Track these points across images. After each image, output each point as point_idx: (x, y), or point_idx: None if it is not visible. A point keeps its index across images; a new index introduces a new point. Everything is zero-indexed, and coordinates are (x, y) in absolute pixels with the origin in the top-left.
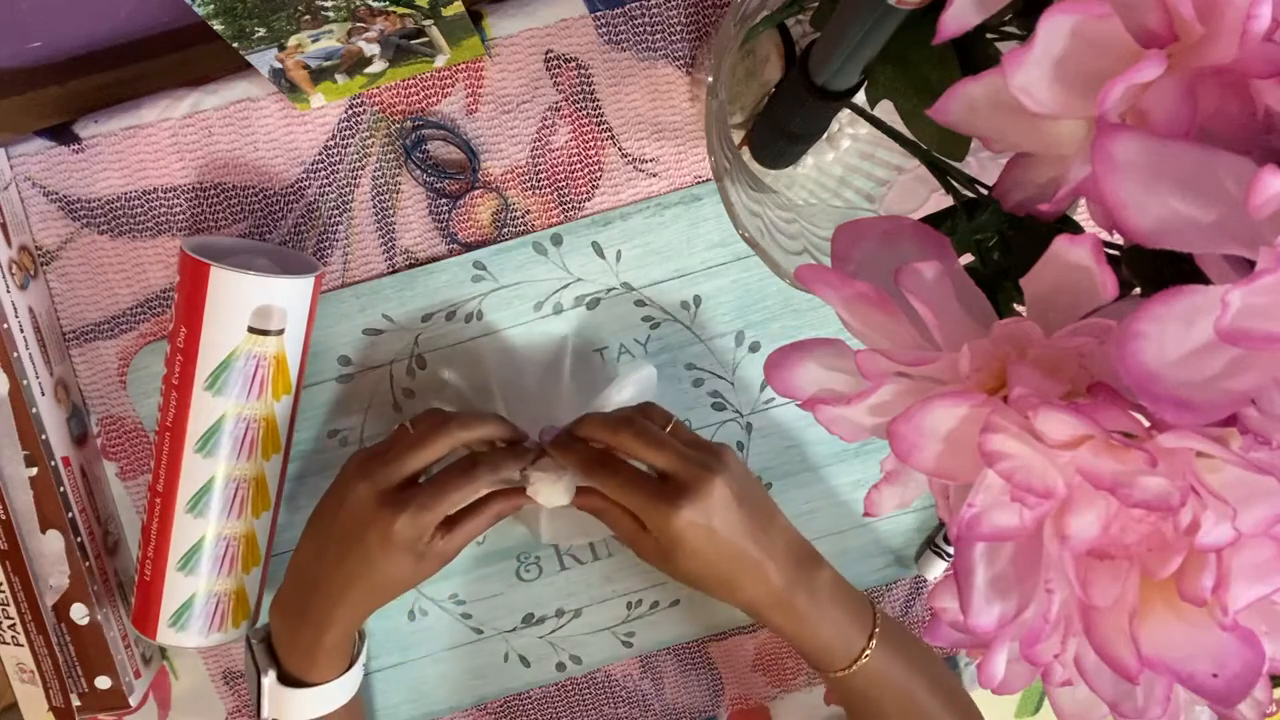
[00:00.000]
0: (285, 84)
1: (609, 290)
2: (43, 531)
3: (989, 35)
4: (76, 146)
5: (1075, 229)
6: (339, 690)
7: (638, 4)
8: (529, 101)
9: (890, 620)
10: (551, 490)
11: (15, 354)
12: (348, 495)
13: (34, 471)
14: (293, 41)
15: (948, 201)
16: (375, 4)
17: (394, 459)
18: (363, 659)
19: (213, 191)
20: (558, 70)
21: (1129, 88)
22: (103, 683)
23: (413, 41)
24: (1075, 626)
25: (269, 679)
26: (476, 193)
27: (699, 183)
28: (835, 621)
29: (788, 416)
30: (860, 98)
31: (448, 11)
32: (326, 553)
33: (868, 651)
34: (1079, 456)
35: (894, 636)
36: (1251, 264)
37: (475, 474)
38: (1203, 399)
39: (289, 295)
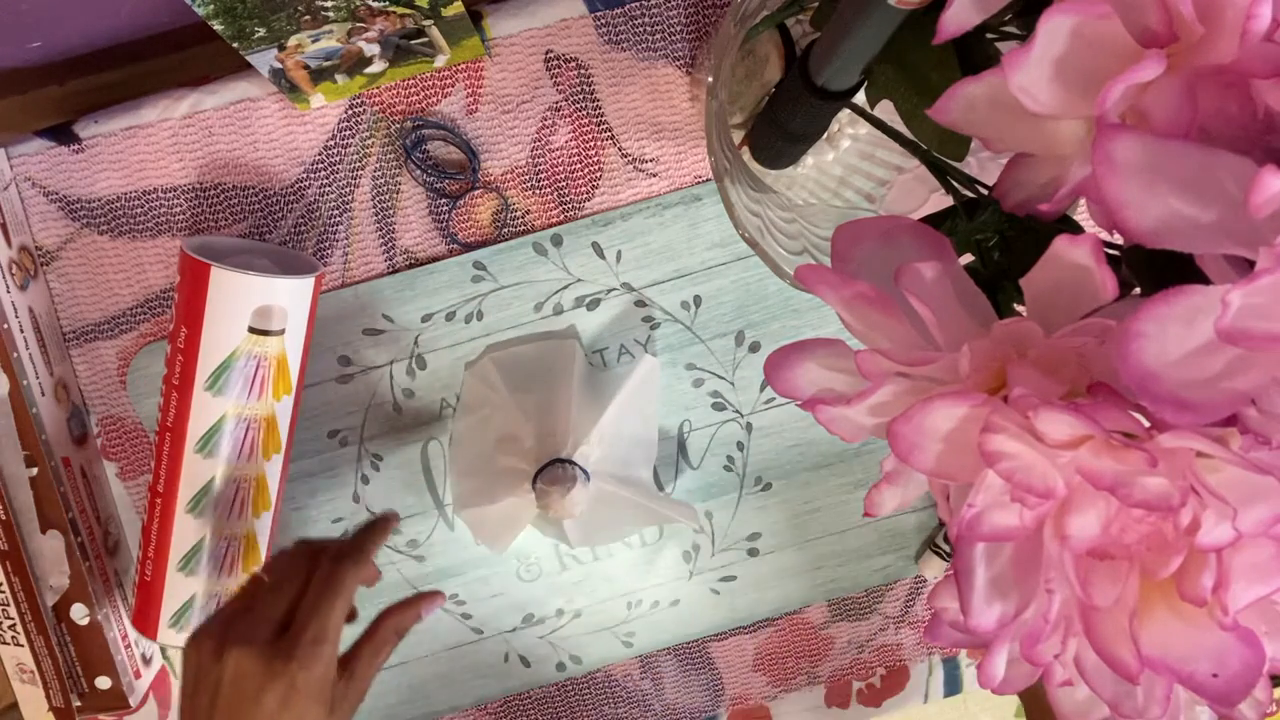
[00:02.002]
0: (285, 84)
1: (609, 291)
2: (43, 531)
3: (989, 35)
4: (76, 146)
5: (1075, 229)
6: None
7: (638, 4)
8: (529, 101)
9: None
10: (562, 504)
11: (15, 354)
12: (221, 672)
13: (34, 471)
14: (293, 41)
15: (948, 201)
16: (375, 4)
17: (257, 609)
18: None
19: (213, 191)
20: (558, 70)
21: (1129, 88)
22: (103, 683)
23: (413, 41)
24: (1075, 626)
25: None
26: (476, 193)
27: (699, 183)
28: None
29: (788, 416)
30: (860, 98)
31: (448, 11)
32: None
33: None
34: (1079, 456)
35: None
36: (1251, 264)
37: (340, 577)
38: (1203, 399)
39: (289, 295)
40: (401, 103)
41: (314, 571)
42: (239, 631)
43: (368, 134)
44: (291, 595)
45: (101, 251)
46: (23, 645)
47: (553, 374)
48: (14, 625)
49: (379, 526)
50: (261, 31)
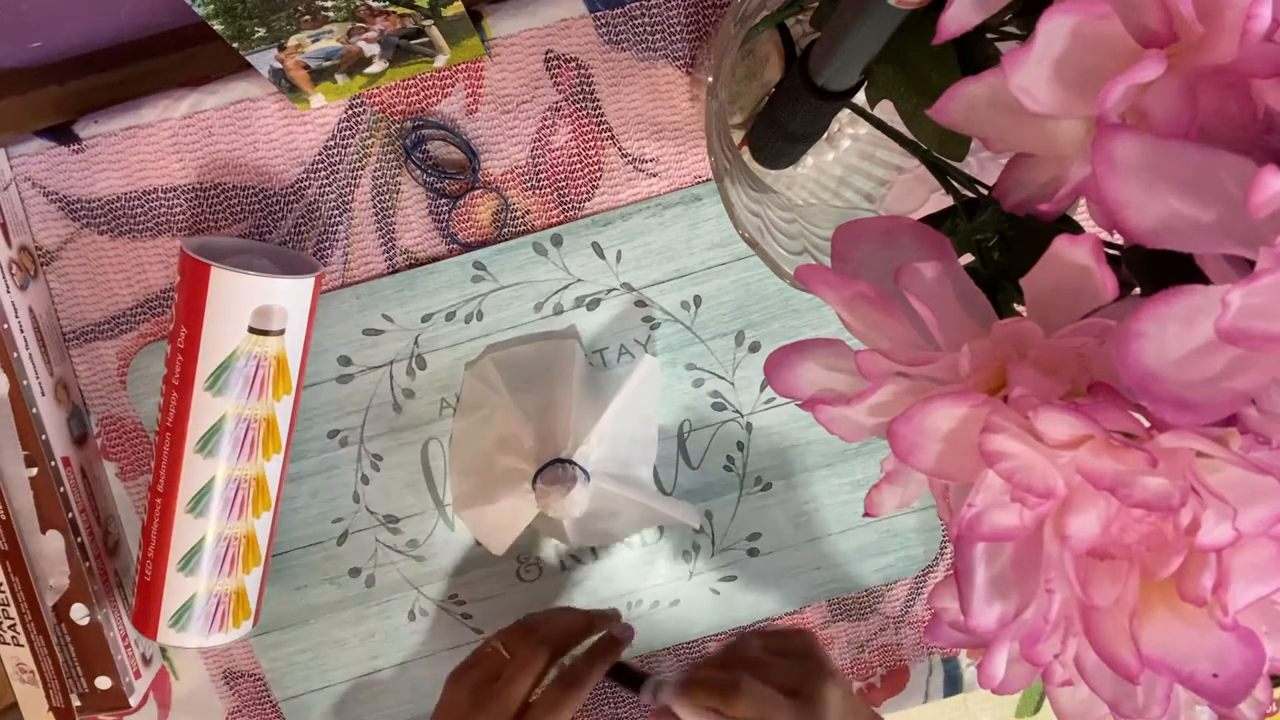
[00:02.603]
0: (285, 84)
1: (609, 291)
2: (43, 531)
3: (989, 35)
4: (76, 146)
5: (1075, 229)
6: None
7: (638, 4)
8: (529, 101)
9: None
10: (562, 504)
11: (15, 354)
12: None
13: (34, 472)
14: (293, 41)
15: (948, 201)
16: (375, 4)
17: (505, 685)
18: None
19: (213, 191)
20: (558, 70)
21: (1129, 88)
22: (103, 683)
23: (413, 41)
24: (1075, 626)
25: None
26: (476, 193)
27: (699, 183)
28: None
29: (788, 416)
30: (860, 98)
31: (448, 11)
32: None
33: None
34: (1079, 456)
35: None
36: (1251, 264)
37: (583, 683)
38: (1203, 399)
39: (289, 295)
40: (401, 103)
41: (550, 664)
42: (489, 703)
43: (368, 134)
44: (530, 684)
45: (101, 251)
46: (23, 645)
47: (553, 374)
48: (14, 625)
49: (613, 646)
50: (261, 31)
